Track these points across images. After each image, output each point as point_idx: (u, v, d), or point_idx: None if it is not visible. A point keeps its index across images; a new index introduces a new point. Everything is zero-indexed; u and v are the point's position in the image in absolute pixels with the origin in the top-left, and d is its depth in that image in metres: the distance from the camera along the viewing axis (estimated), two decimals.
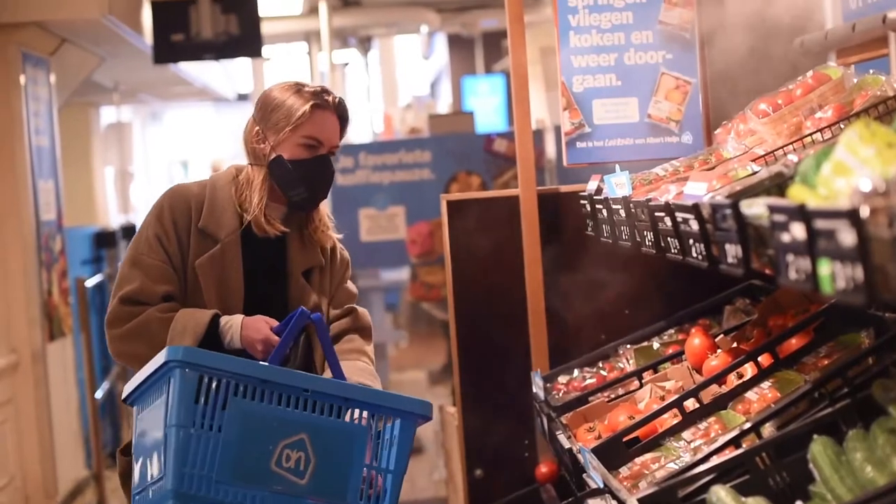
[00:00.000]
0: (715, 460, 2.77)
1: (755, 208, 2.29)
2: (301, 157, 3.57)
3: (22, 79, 7.24)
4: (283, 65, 18.82)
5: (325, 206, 3.77)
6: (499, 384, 4.63)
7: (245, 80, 17.90)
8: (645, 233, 3.24)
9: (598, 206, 3.89)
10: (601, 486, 2.97)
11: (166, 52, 8.36)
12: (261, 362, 3.20)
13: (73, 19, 7.26)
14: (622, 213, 3.51)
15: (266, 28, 9.11)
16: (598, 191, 3.96)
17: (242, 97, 18.20)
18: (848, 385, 2.83)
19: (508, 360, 4.60)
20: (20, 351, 7.21)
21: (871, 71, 3.62)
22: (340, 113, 3.64)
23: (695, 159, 3.72)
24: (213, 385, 2.93)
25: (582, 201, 4.14)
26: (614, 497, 2.86)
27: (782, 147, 3.28)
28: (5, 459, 6.95)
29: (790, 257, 2.04)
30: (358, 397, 3.08)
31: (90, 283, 8.30)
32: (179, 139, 25.58)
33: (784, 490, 2.66)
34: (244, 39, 8.36)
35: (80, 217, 10.56)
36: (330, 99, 3.61)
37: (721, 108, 4.35)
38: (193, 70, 10.80)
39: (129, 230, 9.84)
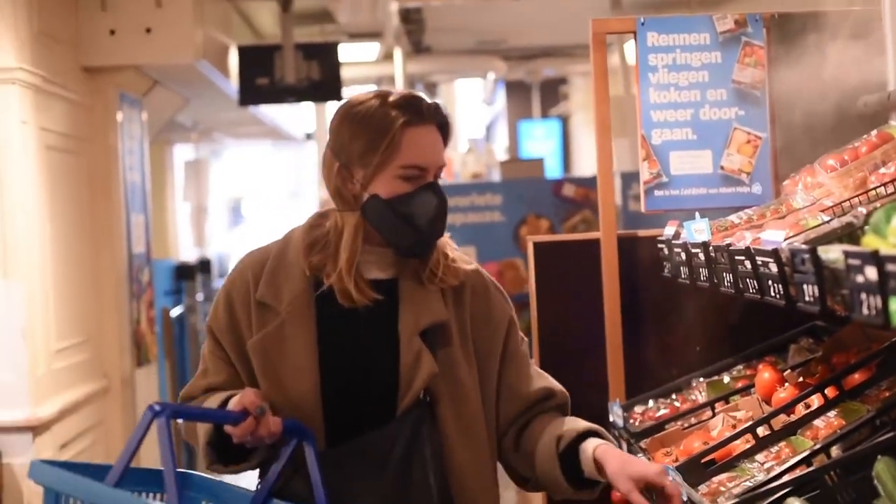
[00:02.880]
0: (787, 477, 3.12)
1: (832, 254, 2.64)
2: (402, 191, 2.83)
3: (119, 117, 7.68)
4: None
5: (446, 237, 3.00)
6: (577, 413, 4.97)
7: (309, 120, 18.39)
8: (724, 274, 3.59)
9: (676, 249, 4.24)
10: (685, 500, 3.32)
11: (251, 94, 8.82)
12: (110, 488, 2.54)
13: (169, 64, 7.70)
14: (701, 256, 3.86)
15: (342, 72, 9.53)
16: (676, 235, 4.32)
17: (309, 136, 18.67)
18: None
19: (588, 392, 4.93)
20: (111, 376, 7.60)
21: None
22: (440, 121, 2.91)
23: (766, 209, 4.06)
24: None
25: (660, 245, 4.50)
26: None
27: (849, 199, 3.61)
28: None
29: (863, 296, 2.39)
30: None
31: (174, 313, 8.71)
32: (238, 176, 26.14)
33: None
34: (325, 84, 8.80)
35: (157, 250, 11.03)
36: (424, 107, 2.86)
37: (788, 161, 4.69)
38: (268, 110, 11.28)
39: (205, 264, 10.30)
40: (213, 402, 2.84)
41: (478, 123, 20.48)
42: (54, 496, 2.63)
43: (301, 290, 2.86)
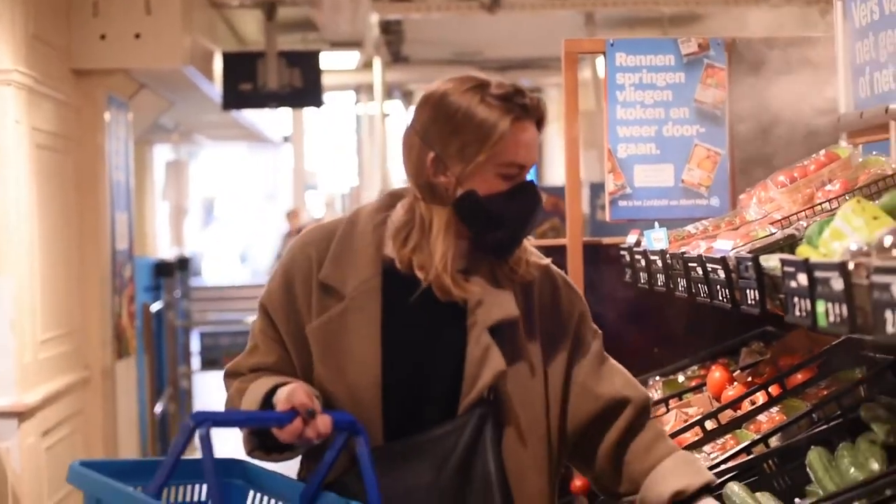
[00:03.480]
0: (730, 464, 3.42)
1: (771, 262, 2.95)
2: (500, 189, 2.70)
3: (106, 118, 7.94)
4: (329, 111, 19.50)
5: None
6: None
7: (286, 124, 18.68)
8: (679, 280, 3.90)
9: (636, 256, 4.55)
10: None
11: (235, 99, 9.10)
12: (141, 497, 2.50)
13: (156, 68, 7.97)
14: (659, 263, 4.17)
15: (323, 79, 9.80)
16: (637, 243, 4.62)
17: (286, 139, 18.97)
18: (841, 409, 3.48)
19: None
20: (92, 367, 7.85)
21: (874, 152, 4.30)
22: (540, 117, 2.76)
23: (722, 220, 4.37)
24: None
25: (622, 252, 4.81)
26: None
27: (796, 213, 3.93)
28: None
29: (796, 299, 2.70)
30: None
31: (153, 308, 8.98)
32: (212, 177, 26.37)
33: (786, 489, 3.30)
34: (306, 91, 9.09)
35: (136, 248, 11.29)
36: (528, 102, 2.71)
37: (745, 176, 4.99)
38: (248, 114, 11.55)
39: (184, 262, 10.56)
40: (260, 386, 2.70)
41: None
42: (94, 502, 2.57)
43: (369, 276, 2.72)
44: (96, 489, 2.56)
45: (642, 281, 4.48)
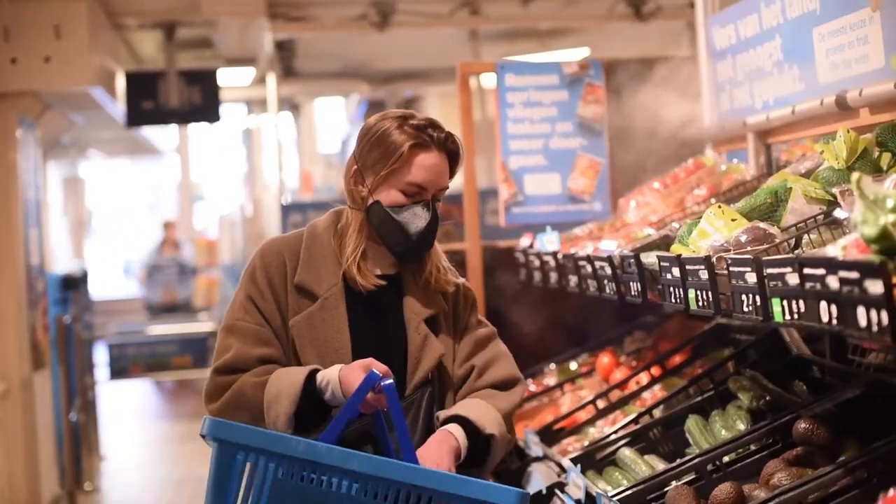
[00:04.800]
0: (621, 433, 3.99)
1: (650, 258, 3.52)
2: (399, 203, 3.15)
3: (17, 138, 8.27)
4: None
5: (439, 251, 3.37)
6: None
7: (173, 135, 18.96)
8: (570, 277, 4.45)
9: (531, 257, 5.10)
10: (541, 455, 4.17)
11: (137, 117, 9.47)
12: (308, 440, 2.78)
13: (63, 90, 8.32)
14: (552, 262, 4.73)
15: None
16: (531, 246, 5.17)
17: (177, 150, 19.25)
18: (713, 383, 4.06)
19: None
20: (10, 379, 8.17)
21: (734, 160, 4.91)
22: (449, 149, 3.20)
23: (605, 223, 4.94)
24: (262, 463, 2.75)
25: (517, 254, 5.36)
26: (552, 460, 4.06)
27: (669, 216, 4.49)
28: None
29: (671, 289, 3.27)
30: (426, 484, 2.68)
31: (66, 320, 9.31)
32: (93, 190, 26.36)
33: (669, 452, 3.87)
34: (205, 107, 9.49)
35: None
36: (435, 135, 3.17)
37: (624, 182, 5.55)
38: (145, 129, 11.90)
39: (86, 275, 10.88)
40: (291, 374, 3.07)
41: (335, 139, 21.13)
42: (234, 454, 2.72)
43: (336, 280, 3.20)
44: (254, 439, 2.73)
45: (536, 279, 5.04)
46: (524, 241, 5.32)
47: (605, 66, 5.63)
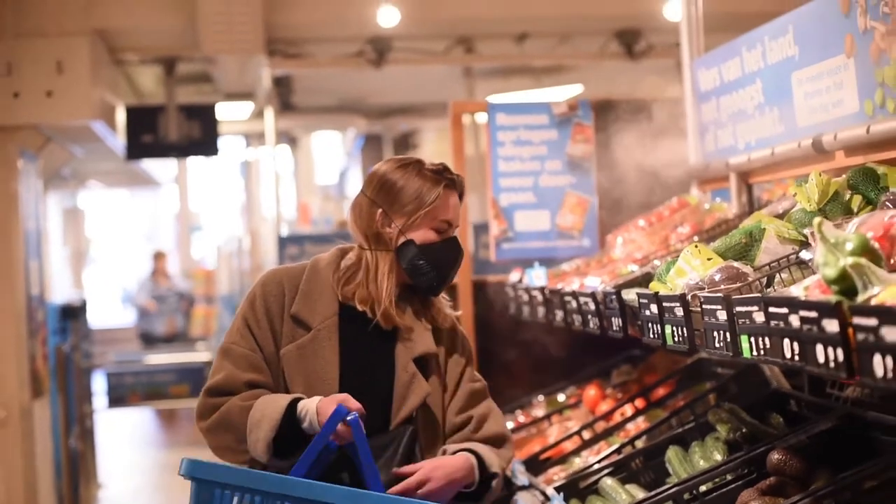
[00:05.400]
0: (604, 463, 4.12)
1: (630, 295, 3.66)
2: (432, 240, 3.35)
3: (19, 169, 8.43)
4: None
5: None
6: None
7: (172, 167, 19.13)
8: (556, 311, 4.60)
9: (520, 292, 5.25)
10: (527, 484, 4.30)
11: (137, 150, 9.61)
12: (276, 475, 2.96)
13: (64, 124, 8.48)
14: (539, 297, 4.87)
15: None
16: (520, 280, 5.32)
17: (175, 181, 19.43)
18: (694, 415, 4.20)
19: None
20: (10, 407, 8.30)
21: (717, 199, 5.06)
22: (461, 191, 3.46)
23: (592, 259, 5.10)
24: (233, 498, 2.89)
25: (507, 288, 5.50)
26: (537, 489, 4.19)
27: (653, 252, 4.64)
28: None
29: (650, 325, 3.41)
30: None
31: (66, 349, 9.44)
32: (92, 220, 26.47)
33: (650, 482, 4.00)
34: (204, 141, 9.64)
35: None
36: (454, 177, 3.42)
37: (612, 219, 5.71)
38: (144, 161, 12.05)
39: (84, 305, 11.03)
40: (278, 400, 3.20)
41: (332, 171, 21.30)
42: (210, 490, 2.87)
43: (331, 313, 3.33)
44: (221, 475, 2.89)
45: (525, 313, 5.18)
46: (514, 276, 5.46)
47: (594, 106, 5.79)
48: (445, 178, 3.37)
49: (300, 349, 3.32)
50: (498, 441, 3.38)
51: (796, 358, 2.45)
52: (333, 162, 20.55)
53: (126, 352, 13.38)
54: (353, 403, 3.10)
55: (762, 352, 2.64)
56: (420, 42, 9.35)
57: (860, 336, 2.14)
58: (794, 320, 2.42)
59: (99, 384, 11.39)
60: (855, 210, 3.40)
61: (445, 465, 3.19)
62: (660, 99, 5.75)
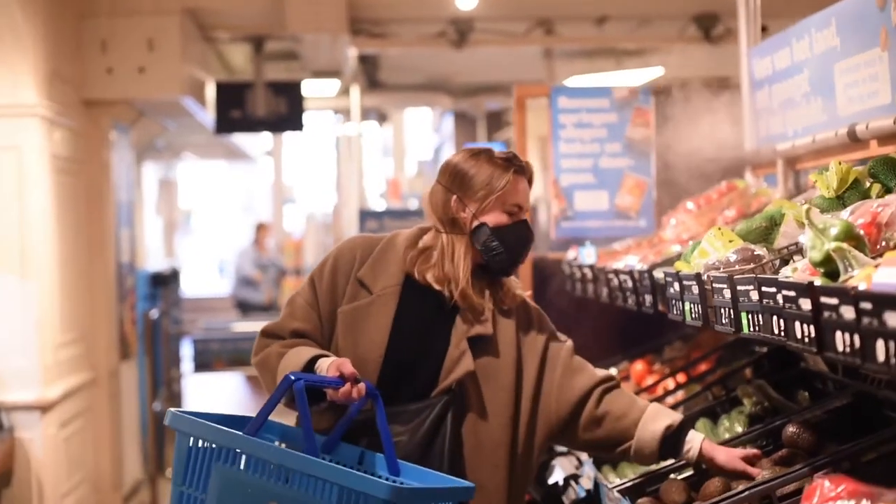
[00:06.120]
0: None
1: (658, 274, 3.88)
2: (504, 223, 3.51)
3: (111, 143, 8.82)
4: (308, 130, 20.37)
5: None
6: None
7: (266, 140, 19.55)
8: (602, 288, 4.82)
9: (574, 269, 5.47)
10: (565, 451, 4.54)
11: (226, 124, 9.97)
12: (240, 433, 3.12)
13: (155, 99, 8.86)
14: (589, 274, 5.10)
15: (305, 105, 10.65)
16: (575, 258, 5.54)
17: (268, 153, 19.86)
18: (726, 390, 4.41)
19: None
20: (99, 369, 8.71)
21: (765, 184, 5.23)
22: (530, 177, 3.61)
23: (643, 239, 5.30)
24: (204, 449, 3.11)
25: (563, 265, 5.73)
26: (573, 455, 4.43)
27: (700, 234, 4.82)
28: (84, 457, 8.42)
29: (673, 301, 3.63)
30: (324, 476, 2.93)
31: (151, 315, 9.85)
32: (191, 190, 27.05)
33: None
34: (290, 117, 9.97)
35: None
36: (524, 165, 3.58)
37: (669, 201, 5.89)
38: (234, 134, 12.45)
39: (175, 273, 11.45)
40: (302, 353, 3.38)
41: (426, 148, 21.55)
42: (188, 441, 3.12)
43: (394, 282, 3.52)
44: (196, 430, 3.12)
45: (578, 290, 5.41)
46: (570, 254, 5.68)
47: (654, 91, 5.98)
48: (514, 165, 3.53)
49: (356, 310, 3.51)
50: (609, 382, 3.62)
51: (781, 334, 2.66)
52: (427, 138, 20.83)
53: (216, 320, 13.80)
54: (348, 368, 3.23)
55: (757, 328, 2.85)
56: (501, 24, 9.57)
57: (826, 314, 2.36)
58: (779, 299, 2.63)
59: (187, 350, 11.80)
60: (873, 198, 3.57)
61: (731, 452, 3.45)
62: (718, 85, 5.91)
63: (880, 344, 2.13)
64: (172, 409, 3.22)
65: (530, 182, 3.60)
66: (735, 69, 5.68)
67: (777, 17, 6.72)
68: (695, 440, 3.48)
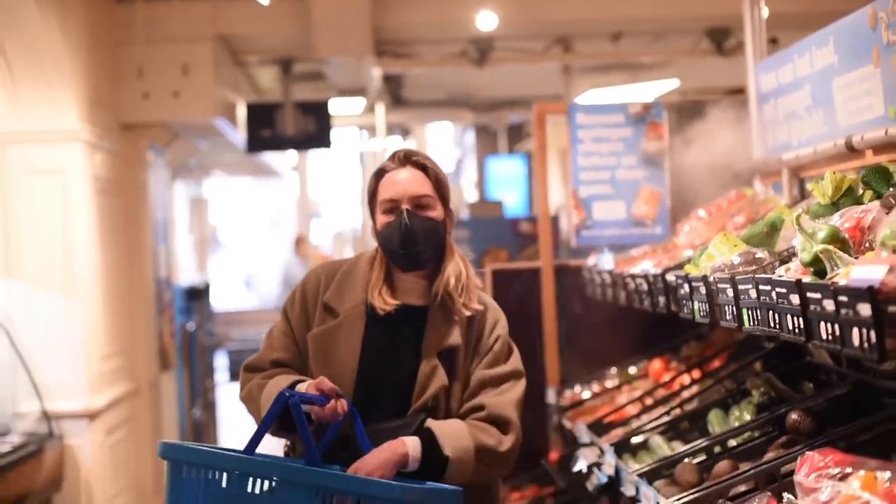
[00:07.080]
0: (654, 424, 4.68)
1: (670, 277, 4.22)
2: (386, 222, 3.53)
3: (148, 162, 9.20)
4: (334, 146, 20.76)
5: (462, 270, 3.62)
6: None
7: (292, 156, 19.94)
8: (620, 292, 5.16)
9: (594, 274, 5.82)
10: (589, 442, 4.88)
11: (257, 143, 10.35)
12: (236, 453, 3.19)
13: (190, 121, 9.24)
14: (608, 279, 5.44)
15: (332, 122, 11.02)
16: (594, 265, 5.89)
17: (294, 169, 20.26)
18: (736, 382, 4.74)
19: (533, 381, 6.45)
20: (140, 379, 9.08)
21: (772, 192, 5.56)
22: (413, 162, 3.58)
23: (658, 245, 5.63)
24: (198, 473, 3.11)
25: (584, 271, 6.08)
26: (596, 446, 4.77)
27: (710, 240, 5.15)
28: (128, 463, 8.76)
29: (683, 301, 3.97)
30: (336, 486, 3.00)
31: (190, 327, 10.23)
32: (218, 206, 27.36)
33: (694, 440, 4.55)
34: (318, 135, 10.34)
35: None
36: (395, 156, 3.61)
37: (683, 209, 6.21)
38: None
39: (208, 288, 11.83)
40: (280, 381, 3.43)
41: (448, 160, 21.87)
42: (180, 468, 3.13)
43: (359, 302, 3.56)
44: (189, 456, 3.15)
45: (598, 294, 5.75)
46: (591, 261, 6.03)
47: (667, 106, 6.31)
48: (387, 162, 3.60)
49: (326, 333, 3.55)
50: (499, 423, 3.46)
51: (777, 326, 3.00)
52: (449, 152, 21.17)
53: (248, 332, 14.19)
54: (327, 384, 3.27)
55: (757, 322, 3.19)
56: (520, 42, 9.93)
57: (811, 307, 2.70)
58: (774, 295, 2.98)
59: (221, 361, 12.17)
60: (866, 203, 3.90)
61: (368, 459, 3.27)
62: (727, 99, 6.23)
63: (856, 331, 2.47)
64: (162, 441, 3.28)
65: (421, 169, 3.58)
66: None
67: (786, 28, 7.06)
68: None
